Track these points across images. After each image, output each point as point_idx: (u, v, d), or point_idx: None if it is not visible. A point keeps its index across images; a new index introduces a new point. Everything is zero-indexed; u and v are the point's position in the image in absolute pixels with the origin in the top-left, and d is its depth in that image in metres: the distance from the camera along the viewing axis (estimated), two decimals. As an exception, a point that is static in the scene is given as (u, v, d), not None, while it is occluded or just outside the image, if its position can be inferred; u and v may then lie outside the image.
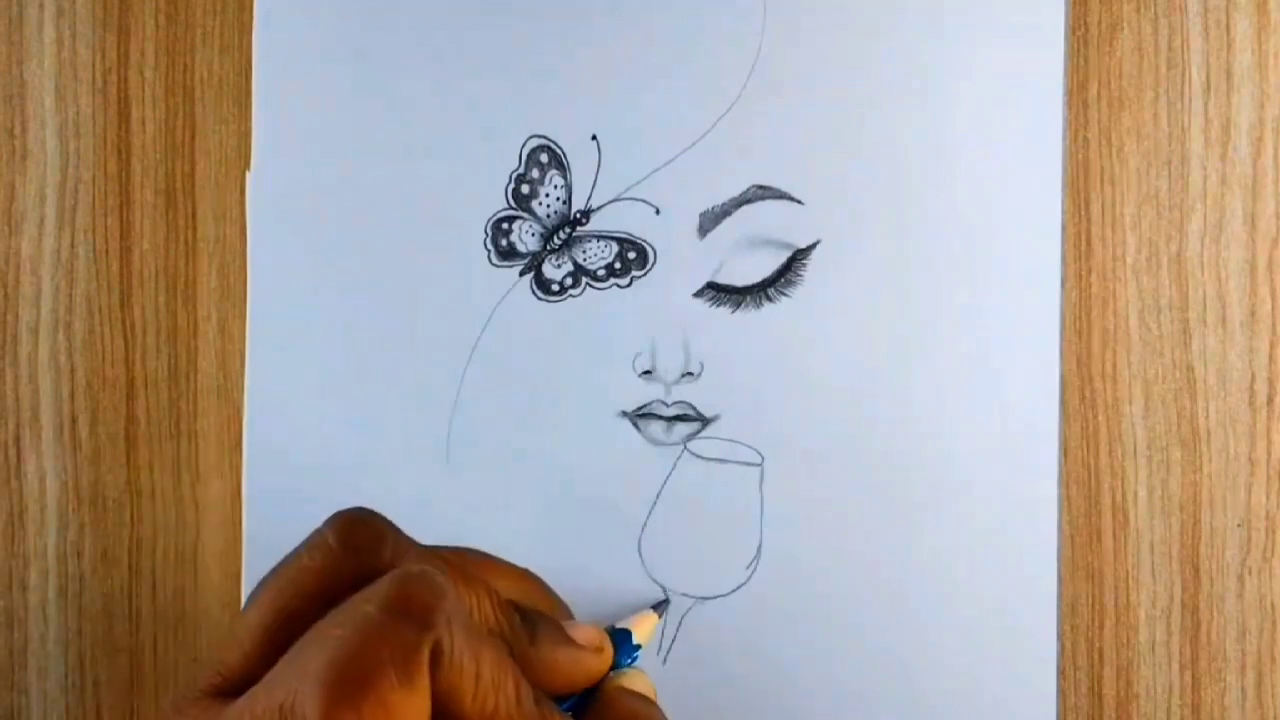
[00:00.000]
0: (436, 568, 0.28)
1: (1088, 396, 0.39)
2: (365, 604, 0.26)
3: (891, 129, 0.40)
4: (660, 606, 0.39)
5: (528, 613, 0.31)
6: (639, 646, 0.36)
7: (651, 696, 0.33)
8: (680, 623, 0.40)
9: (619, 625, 0.37)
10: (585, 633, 0.32)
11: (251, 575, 0.42)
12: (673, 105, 0.40)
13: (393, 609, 0.26)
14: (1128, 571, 0.39)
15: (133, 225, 0.43)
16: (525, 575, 0.32)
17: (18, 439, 0.44)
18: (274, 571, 0.28)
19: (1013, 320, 0.39)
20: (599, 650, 0.32)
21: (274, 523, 0.42)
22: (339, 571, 0.28)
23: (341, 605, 0.27)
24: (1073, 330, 0.40)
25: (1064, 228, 0.39)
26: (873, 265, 0.40)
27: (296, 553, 0.28)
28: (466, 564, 0.30)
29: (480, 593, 0.29)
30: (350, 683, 0.25)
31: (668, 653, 0.40)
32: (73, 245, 0.43)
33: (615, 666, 0.33)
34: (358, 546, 0.28)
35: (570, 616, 0.33)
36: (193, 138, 0.43)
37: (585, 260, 0.41)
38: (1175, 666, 0.39)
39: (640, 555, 0.40)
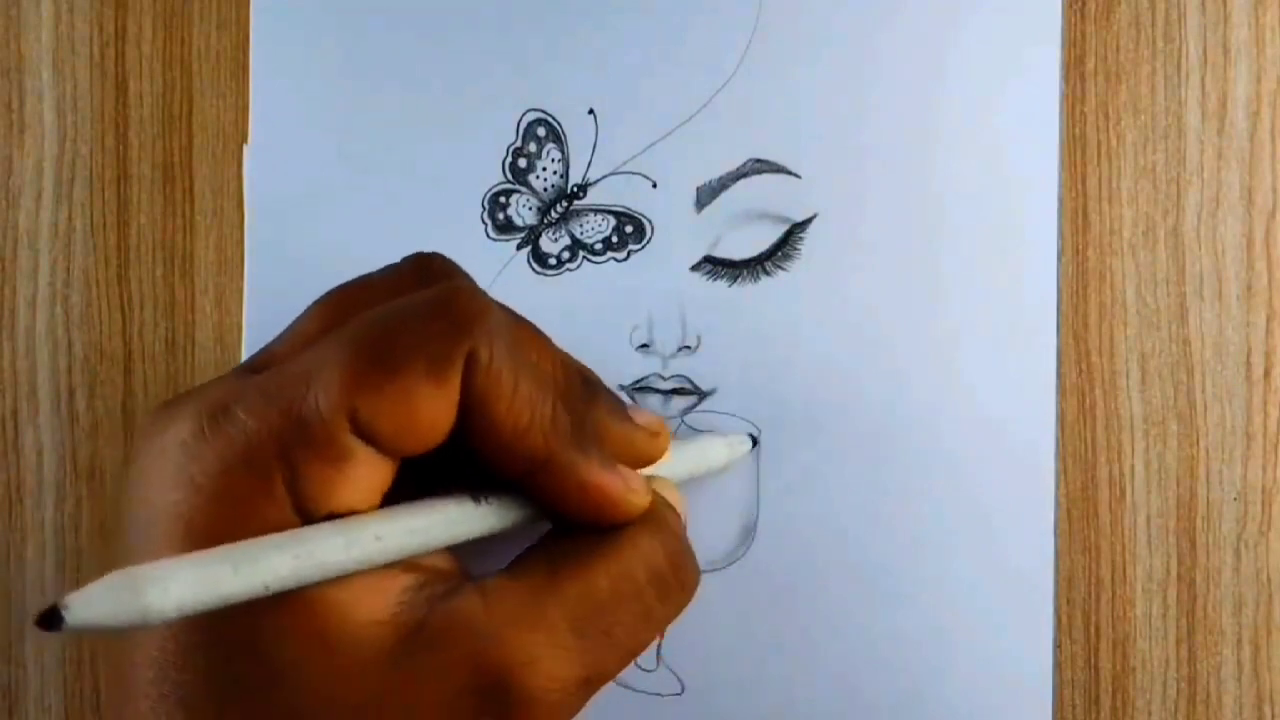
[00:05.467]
0: (506, 310, 0.26)
1: (1084, 370, 0.39)
2: (409, 301, 0.25)
3: (888, 103, 0.40)
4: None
5: (591, 378, 0.29)
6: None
7: (680, 510, 0.30)
8: (677, 595, 0.40)
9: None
10: (646, 415, 0.30)
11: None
12: (670, 79, 0.40)
13: (435, 307, 0.25)
14: (1124, 545, 0.39)
15: (130, 199, 0.43)
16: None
17: (15, 413, 0.44)
18: (342, 284, 0.28)
19: (1009, 294, 0.39)
20: (655, 435, 0.30)
21: (271, 496, 0.42)
22: (404, 290, 0.27)
23: (386, 303, 0.25)
24: (1069, 304, 0.40)
25: (1060, 202, 0.39)
26: (870, 239, 0.40)
27: (367, 273, 0.27)
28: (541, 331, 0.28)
29: (544, 346, 0.27)
30: (378, 361, 0.24)
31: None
32: (70, 219, 0.44)
33: None
34: (428, 272, 0.27)
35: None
36: (190, 111, 0.43)
37: (582, 234, 0.41)
38: (1172, 639, 0.39)
39: (637, 528, 0.40)
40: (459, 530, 0.26)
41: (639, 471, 0.29)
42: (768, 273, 0.40)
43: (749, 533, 0.40)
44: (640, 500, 0.28)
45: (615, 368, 0.41)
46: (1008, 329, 0.39)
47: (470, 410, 0.25)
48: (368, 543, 0.24)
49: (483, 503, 0.27)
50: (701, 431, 0.38)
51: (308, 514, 0.24)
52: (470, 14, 0.41)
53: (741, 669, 0.40)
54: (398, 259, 0.41)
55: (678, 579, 0.28)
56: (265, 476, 0.24)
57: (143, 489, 0.25)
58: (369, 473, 0.25)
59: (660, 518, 0.28)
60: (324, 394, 0.24)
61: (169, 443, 0.24)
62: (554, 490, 0.26)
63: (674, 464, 0.32)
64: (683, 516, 0.31)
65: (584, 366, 0.31)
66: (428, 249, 0.41)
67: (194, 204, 0.43)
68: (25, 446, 0.44)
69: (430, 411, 0.24)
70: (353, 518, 0.24)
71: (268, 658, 0.23)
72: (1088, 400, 0.39)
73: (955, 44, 0.39)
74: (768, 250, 0.40)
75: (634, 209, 0.41)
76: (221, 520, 0.23)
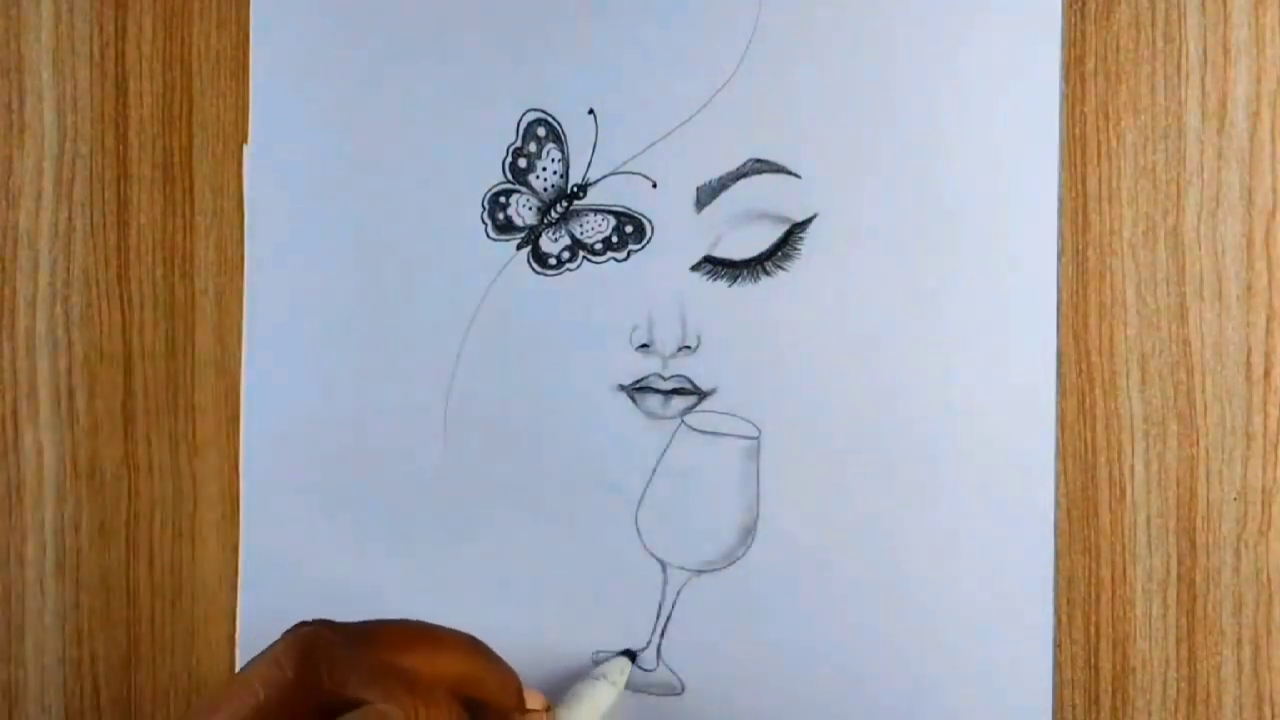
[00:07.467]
0: (389, 688, 0.29)
1: (1084, 370, 0.39)
2: None
3: (889, 103, 0.40)
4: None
5: (476, 707, 0.32)
6: None
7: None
8: (677, 595, 0.40)
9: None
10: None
11: (249, 548, 0.42)
12: (670, 79, 0.40)
13: None
14: (1124, 545, 0.39)
15: (130, 199, 0.43)
16: (470, 649, 0.33)
17: (15, 413, 0.44)
18: (226, 690, 0.29)
19: (1010, 294, 0.39)
20: None
21: (271, 495, 0.42)
22: (289, 699, 0.29)
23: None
24: (1069, 304, 0.40)
25: (1061, 202, 0.39)
26: (869, 239, 0.40)
27: (249, 671, 0.29)
28: (416, 662, 0.30)
29: (439, 708, 0.30)
30: None
31: (665, 625, 0.40)
32: (70, 219, 0.44)
33: None
34: (306, 672, 0.29)
35: (517, 682, 0.34)
36: (190, 111, 0.43)
37: (582, 234, 0.41)
38: (1171, 640, 0.39)
39: (638, 528, 0.41)
40: None
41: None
42: (768, 273, 0.40)
43: (749, 533, 0.40)
44: None
45: (615, 368, 0.41)
46: (1008, 329, 0.39)
47: None
48: None
49: None
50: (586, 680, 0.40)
51: None
52: (470, 14, 0.41)
53: (741, 669, 0.40)
54: (397, 260, 0.42)
55: None
56: None
57: None
58: None
59: None
60: None
61: None
62: None
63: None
64: None
65: (495, 687, 0.34)
66: (428, 249, 0.42)
67: (194, 204, 0.43)
68: (25, 447, 0.44)
69: None
70: None
71: None
72: (1088, 400, 0.39)
73: (955, 44, 0.39)
74: (768, 250, 0.40)
75: (634, 209, 0.41)
76: None
